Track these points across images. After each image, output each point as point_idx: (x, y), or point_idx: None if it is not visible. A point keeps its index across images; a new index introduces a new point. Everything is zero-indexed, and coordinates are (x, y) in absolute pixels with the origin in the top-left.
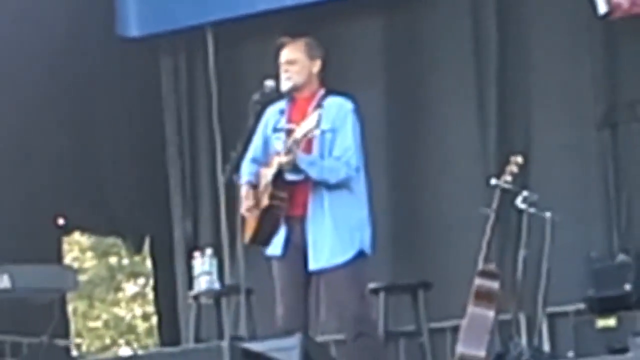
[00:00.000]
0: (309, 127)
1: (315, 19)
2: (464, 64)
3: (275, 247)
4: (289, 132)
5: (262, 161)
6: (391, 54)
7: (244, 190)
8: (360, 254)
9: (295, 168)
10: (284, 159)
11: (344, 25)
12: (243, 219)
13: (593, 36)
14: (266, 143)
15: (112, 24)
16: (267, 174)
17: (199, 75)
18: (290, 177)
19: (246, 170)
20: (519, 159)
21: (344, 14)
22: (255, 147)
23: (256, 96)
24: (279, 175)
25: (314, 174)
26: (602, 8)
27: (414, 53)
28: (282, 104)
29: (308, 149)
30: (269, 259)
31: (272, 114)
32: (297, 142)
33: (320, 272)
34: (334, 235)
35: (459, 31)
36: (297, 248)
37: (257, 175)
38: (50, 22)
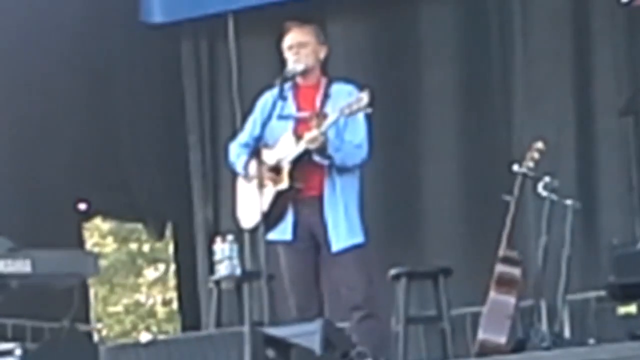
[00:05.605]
0: (358, 105)
1: (331, 8)
2: (491, 49)
3: (283, 232)
4: (319, 116)
5: (255, 146)
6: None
7: (253, 167)
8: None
9: (322, 151)
10: (320, 138)
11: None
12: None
13: (616, 23)
14: (264, 128)
15: (133, 9)
16: (278, 155)
17: (220, 60)
18: (316, 158)
19: (234, 152)
20: (540, 145)
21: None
22: (249, 131)
23: (278, 81)
24: (302, 156)
25: (338, 158)
26: None
27: (439, 39)
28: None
29: None
30: (273, 244)
31: (270, 100)
32: (333, 123)
33: (334, 255)
34: (347, 218)
35: (484, 21)
36: (306, 232)
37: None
38: (70, 7)
